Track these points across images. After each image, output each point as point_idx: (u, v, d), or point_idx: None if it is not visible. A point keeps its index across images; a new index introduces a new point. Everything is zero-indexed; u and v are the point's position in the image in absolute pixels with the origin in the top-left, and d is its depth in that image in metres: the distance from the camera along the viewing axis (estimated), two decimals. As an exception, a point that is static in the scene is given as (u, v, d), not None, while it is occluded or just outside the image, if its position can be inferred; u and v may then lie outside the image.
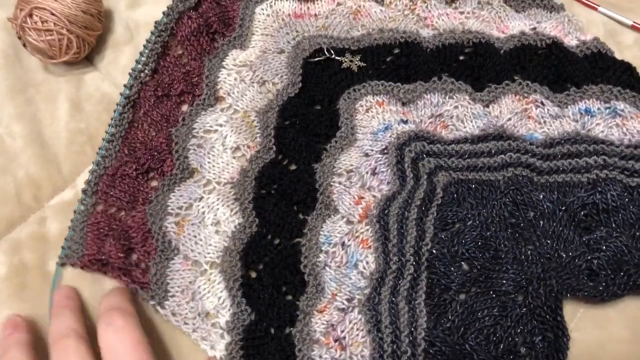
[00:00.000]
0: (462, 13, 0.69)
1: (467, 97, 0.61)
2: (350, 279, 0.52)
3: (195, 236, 0.54)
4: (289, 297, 0.52)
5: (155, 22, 0.64)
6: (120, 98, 0.61)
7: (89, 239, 0.54)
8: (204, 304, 0.52)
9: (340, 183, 0.56)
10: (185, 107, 0.62)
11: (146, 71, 0.62)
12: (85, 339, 0.48)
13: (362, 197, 0.56)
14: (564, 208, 0.53)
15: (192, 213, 0.56)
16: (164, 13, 0.65)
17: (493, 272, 0.51)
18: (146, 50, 0.62)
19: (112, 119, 0.60)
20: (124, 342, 0.47)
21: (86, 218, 0.55)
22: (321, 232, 0.54)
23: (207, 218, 0.55)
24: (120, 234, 0.54)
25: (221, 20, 0.66)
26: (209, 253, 0.54)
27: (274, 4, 0.68)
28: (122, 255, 0.53)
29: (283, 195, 0.56)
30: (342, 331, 0.50)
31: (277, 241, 0.54)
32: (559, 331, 0.48)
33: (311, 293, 0.51)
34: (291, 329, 0.50)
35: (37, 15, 0.60)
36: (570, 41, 0.64)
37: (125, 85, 0.61)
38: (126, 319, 0.48)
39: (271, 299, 0.51)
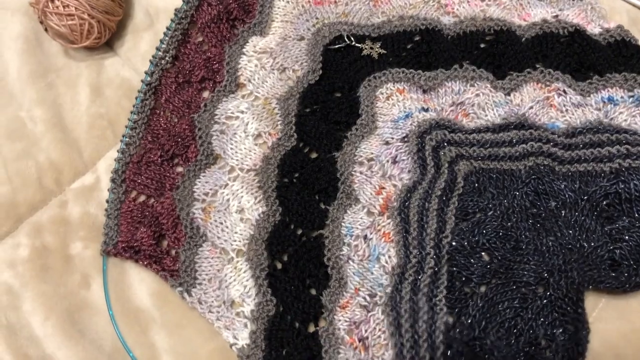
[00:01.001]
0: (482, 0, 0.68)
1: (488, 85, 0.60)
2: (373, 273, 0.52)
3: (221, 223, 0.55)
4: (313, 291, 0.52)
5: (175, 10, 0.64)
6: (141, 85, 0.61)
7: (122, 227, 0.55)
8: (230, 292, 0.52)
9: (361, 172, 0.56)
10: (206, 94, 0.62)
11: (167, 58, 0.62)
12: None
13: (383, 187, 0.56)
14: (586, 198, 0.53)
15: (217, 200, 0.56)
16: (183, 0, 0.64)
17: (514, 263, 0.51)
18: (166, 38, 0.62)
19: (134, 106, 0.60)
20: None
21: (119, 206, 0.56)
22: (343, 224, 0.54)
23: (231, 205, 0.56)
24: (151, 220, 0.55)
25: (241, 6, 0.66)
26: (235, 241, 0.54)
27: (294, -11, 0.68)
28: (153, 242, 0.54)
29: (305, 184, 0.56)
30: (366, 331, 0.50)
31: (300, 231, 0.55)
32: (580, 324, 0.48)
33: (334, 287, 0.52)
34: (316, 327, 0.51)
35: (58, 0, 0.60)
36: (593, 29, 0.63)
37: (146, 72, 0.61)
38: None
39: (296, 291, 0.52)
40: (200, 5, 0.64)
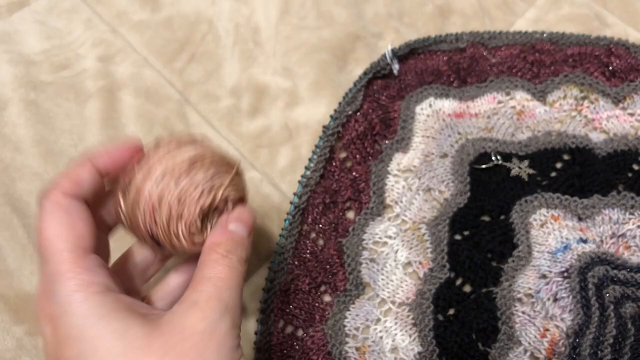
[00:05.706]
0: (632, 115, 0.65)
1: (650, 216, 0.57)
2: None
3: (376, 365, 0.52)
4: None
5: (324, 127, 0.63)
6: (290, 207, 0.59)
7: None
8: None
9: (523, 312, 0.53)
10: (350, 214, 0.60)
11: (314, 177, 0.60)
12: None
13: (547, 329, 0.53)
14: None
15: (369, 337, 0.54)
16: (331, 116, 0.63)
17: None
18: (314, 156, 0.61)
19: (282, 229, 0.58)
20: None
21: (268, 338, 0.54)
22: (507, 370, 0.51)
23: (385, 343, 0.53)
24: (302, 356, 0.53)
25: (382, 121, 0.64)
26: None
27: (434, 103, 0.66)
28: None
29: (462, 324, 0.53)
30: None
31: (460, 377, 0.52)
32: None
33: None
34: None
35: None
36: None
37: (295, 194, 0.59)
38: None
39: None
40: (347, 122, 0.63)
